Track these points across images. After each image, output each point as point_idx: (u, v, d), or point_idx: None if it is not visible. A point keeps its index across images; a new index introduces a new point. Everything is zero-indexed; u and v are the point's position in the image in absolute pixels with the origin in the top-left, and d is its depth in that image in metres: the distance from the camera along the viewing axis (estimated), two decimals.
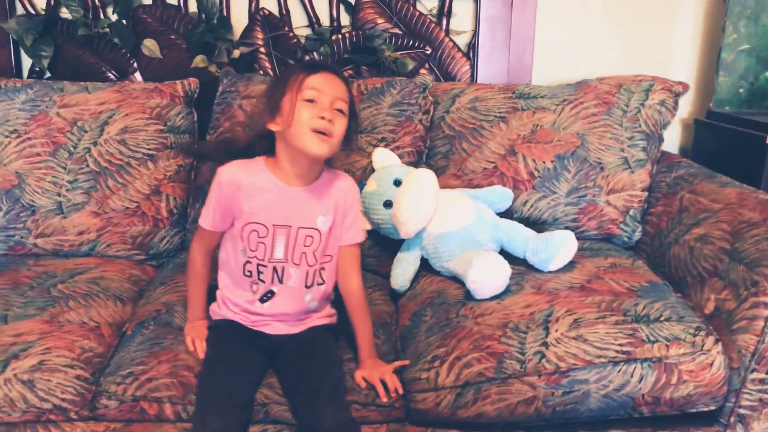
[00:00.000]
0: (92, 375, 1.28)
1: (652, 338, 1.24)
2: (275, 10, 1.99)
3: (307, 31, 2.00)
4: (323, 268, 1.34)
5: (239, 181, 1.30)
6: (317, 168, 1.33)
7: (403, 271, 1.59)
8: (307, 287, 1.32)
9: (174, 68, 1.97)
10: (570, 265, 1.50)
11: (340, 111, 1.27)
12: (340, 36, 1.98)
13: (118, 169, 1.71)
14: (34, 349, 1.28)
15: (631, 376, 1.22)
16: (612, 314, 1.30)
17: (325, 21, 2.00)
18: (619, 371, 1.22)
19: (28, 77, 2.01)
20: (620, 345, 1.23)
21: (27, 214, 1.68)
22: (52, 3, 1.95)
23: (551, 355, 1.23)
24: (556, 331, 1.27)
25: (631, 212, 1.69)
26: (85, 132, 1.72)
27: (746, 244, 1.35)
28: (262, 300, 1.31)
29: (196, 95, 1.86)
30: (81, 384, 1.26)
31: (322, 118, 1.24)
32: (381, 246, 1.70)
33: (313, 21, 1.99)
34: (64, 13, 1.96)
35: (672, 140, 2.16)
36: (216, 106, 1.83)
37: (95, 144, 1.72)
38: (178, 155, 1.76)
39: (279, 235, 1.28)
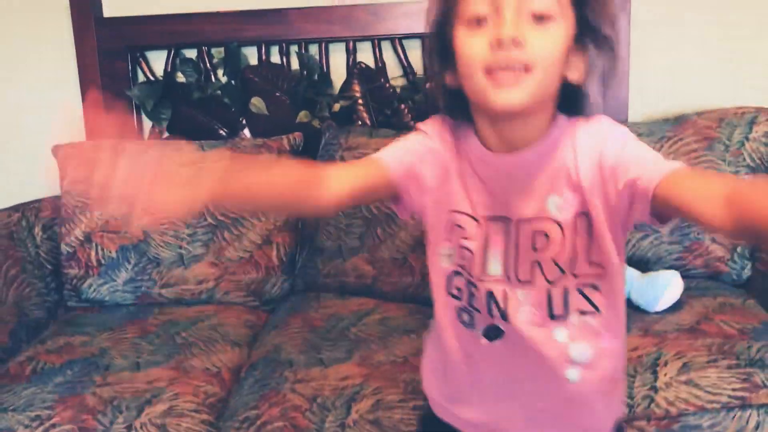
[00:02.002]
0: (216, 419, 1.37)
1: None
2: (371, 63, 2.08)
3: (403, 81, 2.08)
4: (592, 285, 0.80)
5: (448, 140, 0.84)
6: (532, 124, 0.79)
7: None
8: (553, 318, 0.81)
9: (279, 123, 2.09)
10: (677, 306, 1.48)
11: (540, 17, 0.73)
12: None
13: (233, 222, 1.83)
14: (165, 395, 1.39)
15: (747, 422, 1.19)
16: (724, 357, 1.27)
17: (419, 70, 2.08)
18: (733, 418, 1.19)
19: (149, 137, 2.18)
20: (734, 390, 1.21)
21: (152, 266, 1.83)
22: (169, 69, 2.12)
23: (661, 399, 1.23)
24: (665, 375, 1.26)
25: (739, 249, 1.65)
26: None
27: None
28: (488, 336, 0.83)
29: (300, 148, 1.97)
30: (207, 428, 1.35)
31: (498, 43, 0.72)
32: None
33: (407, 71, 2.07)
34: (180, 77, 2.13)
35: None
36: (319, 158, 1.93)
37: None
38: None
39: (494, 234, 0.79)
